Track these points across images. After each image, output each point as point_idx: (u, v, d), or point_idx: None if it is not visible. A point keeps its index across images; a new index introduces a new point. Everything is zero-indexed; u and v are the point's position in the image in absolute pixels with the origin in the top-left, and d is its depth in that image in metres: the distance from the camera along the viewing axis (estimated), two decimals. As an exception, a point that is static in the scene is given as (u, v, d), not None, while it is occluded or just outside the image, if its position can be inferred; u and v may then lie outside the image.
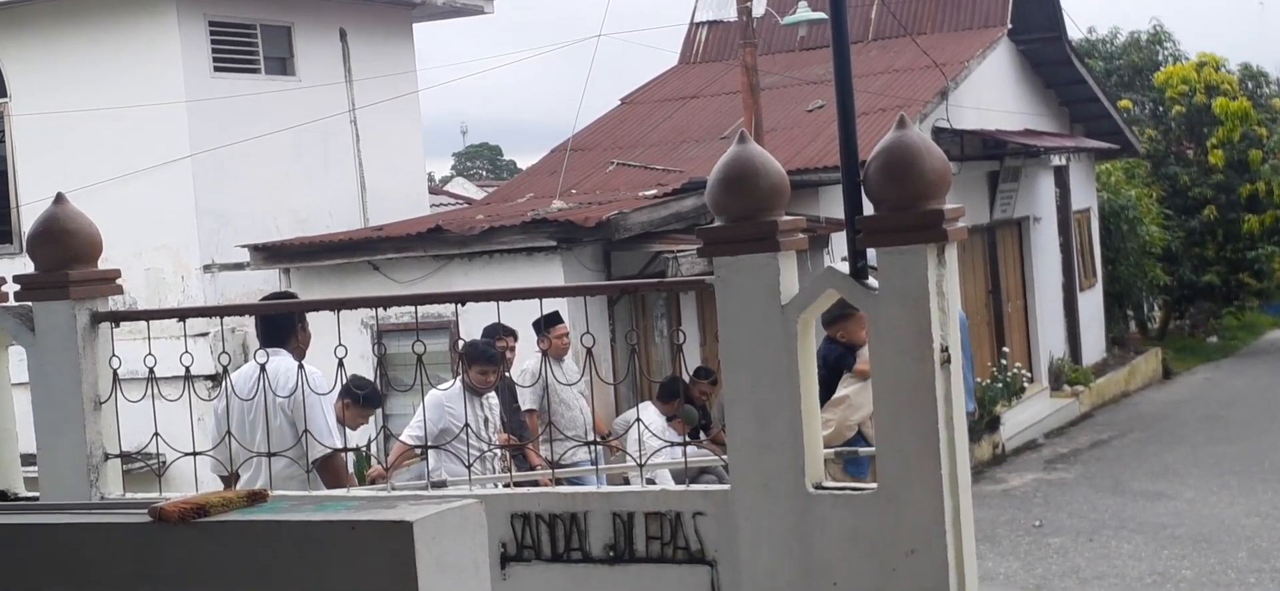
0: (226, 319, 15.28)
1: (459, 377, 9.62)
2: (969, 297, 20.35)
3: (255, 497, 4.13)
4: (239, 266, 16.49)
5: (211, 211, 16.90)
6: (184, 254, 16.92)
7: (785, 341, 5.28)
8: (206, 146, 16.59)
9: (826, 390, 7.65)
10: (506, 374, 10.82)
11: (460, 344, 10.85)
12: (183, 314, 6.77)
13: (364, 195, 18.81)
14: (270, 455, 6.55)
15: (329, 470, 7.39)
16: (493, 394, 9.78)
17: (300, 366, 6.43)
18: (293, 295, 8.17)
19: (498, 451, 9.31)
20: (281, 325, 7.53)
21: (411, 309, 6.55)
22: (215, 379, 14.10)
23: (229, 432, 6.31)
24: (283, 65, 18.20)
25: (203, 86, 16.89)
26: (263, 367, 6.21)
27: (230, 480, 7.41)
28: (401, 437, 9.64)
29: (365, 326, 13.99)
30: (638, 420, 7.10)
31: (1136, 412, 23.00)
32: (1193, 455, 18.59)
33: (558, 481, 6.18)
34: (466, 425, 6.69)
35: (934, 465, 5.09)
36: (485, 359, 9.70)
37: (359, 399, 9.37)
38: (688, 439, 11.15)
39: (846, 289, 5.31)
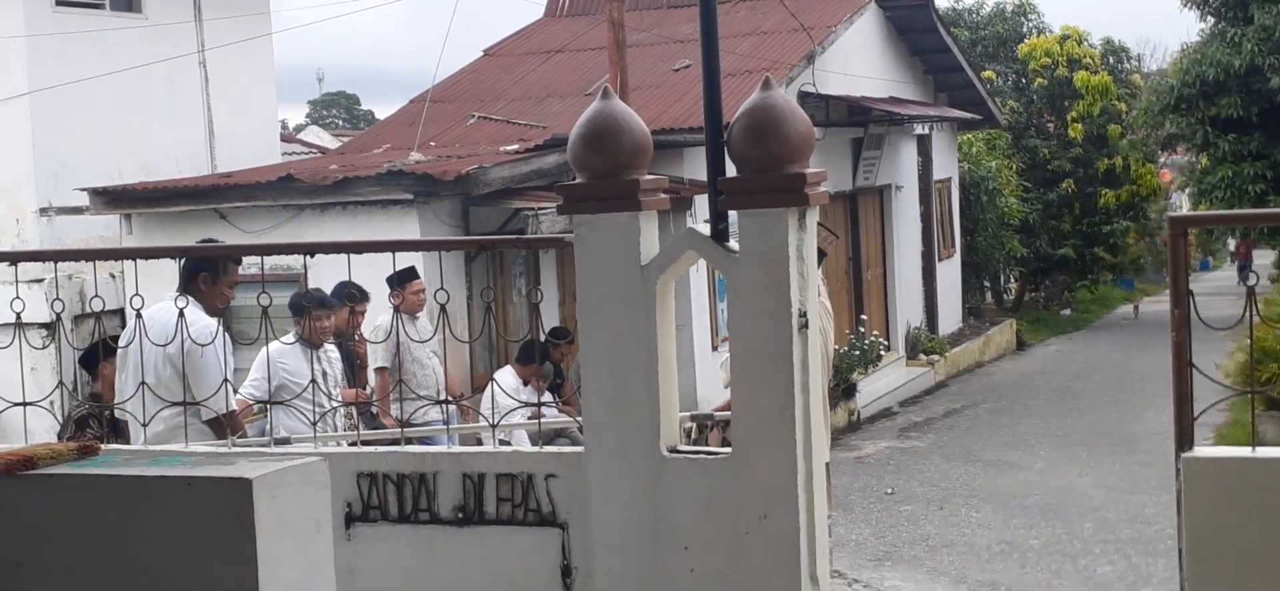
0: (62, 264, 14.79)
1: (296, 331, 9.39)
2: (829, 264, 20.42)
3: (87, 450, 3.95)
4: (78, 210, 15.93)
5: (50, 152, 16.36)
6: (19, 196, 16.39)
7: (644, 302, 5.20)
8: (46, 84, 16.03)
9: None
10: (354, 335, 10.64)
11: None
12: (14, 258, 6.58)
13: (212, 141, 18.35)
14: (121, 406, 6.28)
15: (221, 430, 7.11)
16: (333, 348, 9.54)
17: (181, 313, 6.04)
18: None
19: (340, 408, 9.08)
20: (186, 270, 7.29)
21: (258, 259, 6.30)
22: (49, 327, 13.69)
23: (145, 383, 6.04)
24: (129, 2, 17.69)
25: (43, 21, 16.35)
26: (139, 313, 5.92)
27: (123, 428, 7.15)
28: (239, 392, 9.35)
29: (212, 276, 13.63)
30: (492, 381, 6.97)
31: (990, 383, 23.32)
32: (1043, 426, 18.88)
33: (408, 441, 6.02)
34: (313, 381, 6.47)
35: (788, 430, 5.04)
36: (318, 303, 9.47)
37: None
38: (541, 401, 10.99)
39: (707, 251, 5.23)
